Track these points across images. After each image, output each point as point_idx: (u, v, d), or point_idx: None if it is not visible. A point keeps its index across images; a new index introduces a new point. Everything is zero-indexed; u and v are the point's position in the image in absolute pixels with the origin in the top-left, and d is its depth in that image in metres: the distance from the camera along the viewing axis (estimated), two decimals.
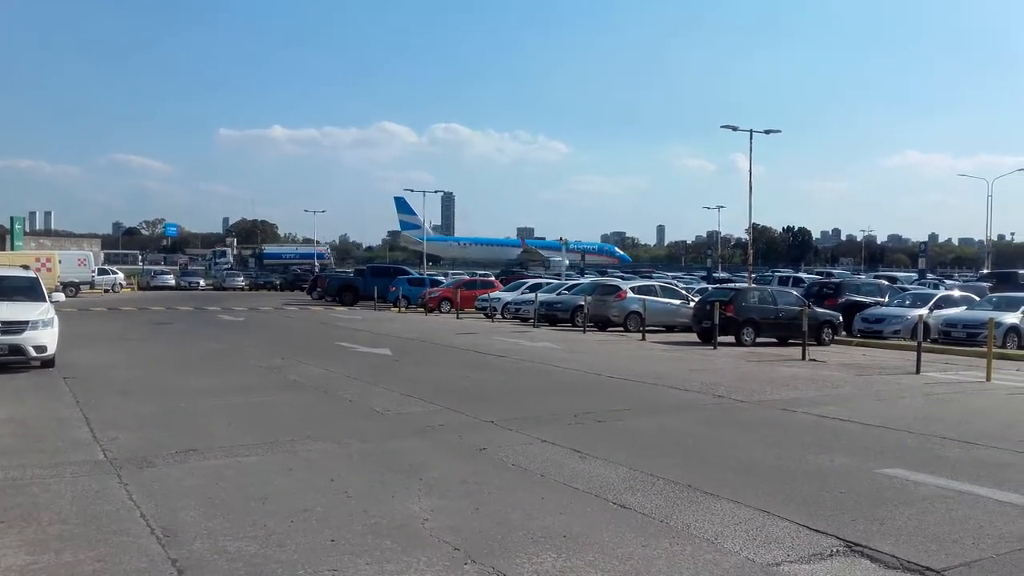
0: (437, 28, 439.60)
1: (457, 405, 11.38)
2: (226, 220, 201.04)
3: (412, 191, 67.54)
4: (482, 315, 34.63)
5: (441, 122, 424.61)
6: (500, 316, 33.50)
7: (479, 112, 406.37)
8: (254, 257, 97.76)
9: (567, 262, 73.67)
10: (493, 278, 46.89)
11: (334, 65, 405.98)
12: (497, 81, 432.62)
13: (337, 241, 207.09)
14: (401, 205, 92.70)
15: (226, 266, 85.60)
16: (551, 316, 29.97)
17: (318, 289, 49.90)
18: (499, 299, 35.01)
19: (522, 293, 34.73)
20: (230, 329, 26.73)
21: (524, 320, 31.44)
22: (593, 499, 6.72)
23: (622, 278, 44.37)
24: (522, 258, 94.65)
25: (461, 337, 23.76)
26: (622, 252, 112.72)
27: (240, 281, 70.33)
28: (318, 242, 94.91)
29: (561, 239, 77.77)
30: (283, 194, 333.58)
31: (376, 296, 40.48)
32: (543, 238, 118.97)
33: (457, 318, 33.27)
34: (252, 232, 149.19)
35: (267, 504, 6.41)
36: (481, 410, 10.94)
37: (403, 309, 38.89)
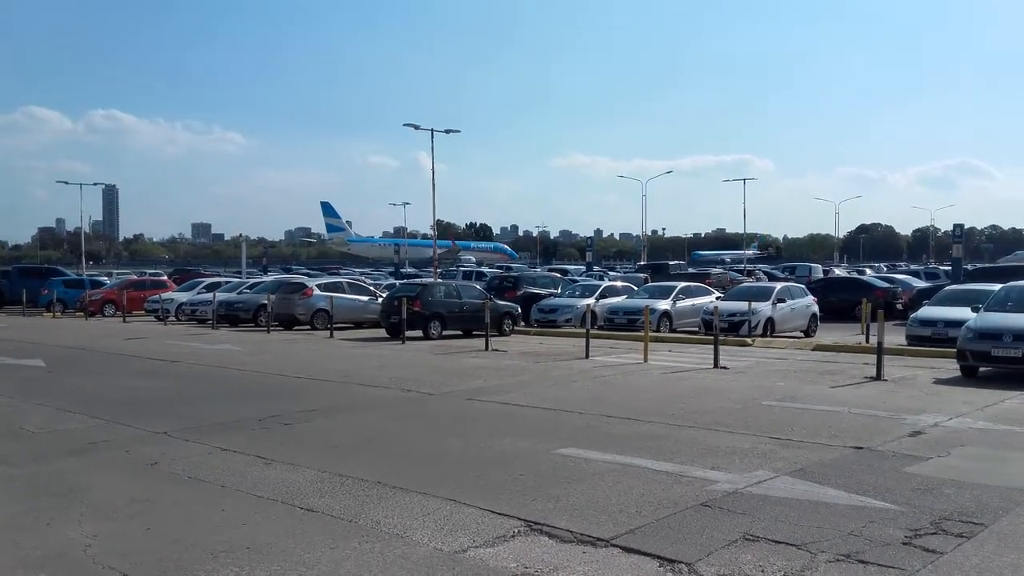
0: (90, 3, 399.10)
1: (124, 418, 10.39)
2: None
3: (67, 183, 60.98)
4: (153, 318, 32.15)
5: (99, 108, 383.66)
6: (174, 318, 31.31)
7: (144, 99, 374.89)
8: None
9: (474, 259, 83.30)
10: (165, 277, 43.74)
11: None
12: (163, 66, 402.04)
13: None
14: (327, 210, 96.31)
15: None
16: (232, 316, 28.56)
17: None
18: (172, 300, 32.69)
19: (198, 293, 32.72)
20: None
21: (202, 322, 29.65)
22: (279, 506, 6.43)
23: (307, 275, 43.53)
24: (443, 257, 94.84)
25: (129, 343, 21.82)
26: (511, 250, 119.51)
27: None
28: None
29: (241, 235, 76.44)
30: None
31: (25, 300, 35.96)
32: (507, 235, 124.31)
33: (124, 322, 30.55)
34: None
35: None
36: (152, 421, 10.08)
37: (59, 314, 34.97)
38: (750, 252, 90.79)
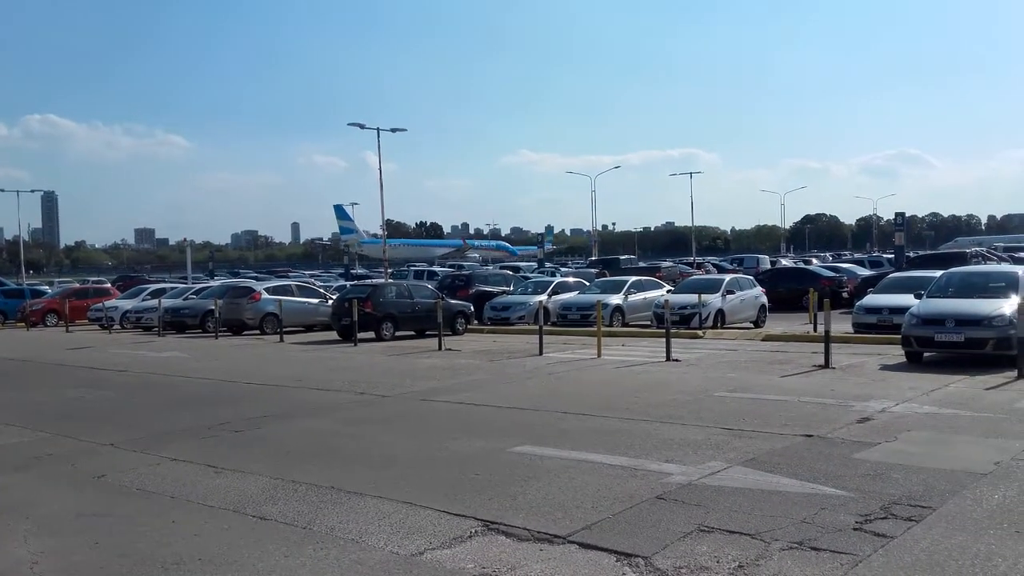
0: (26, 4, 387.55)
1: (69, 430, 10.12)
2: None
3: (3, 191, 59.34)
4: (97, 327, 31.43)
5: (36, 113, 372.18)
6: (119, 327, 30.64)
7: (82, 103, 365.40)
8: None
9: (479, 256, 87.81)
10: (109, 284, 42.75)
11: None
12: (99, 69, 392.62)
13: None
14: (340, 212, 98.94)
15: None
16: (179, 323, 28.01)
17: None
18: (116, 308, 31.97)
19: (143, 300, 32.05)
20: None
21: (148, 329, 29.08)
22: (231, 515, 6.31)
23: (255, 279, 42.96)
24: (452, 256, 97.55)
25: (73, 353, 21.28)
26: (513, 247, 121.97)
27: None
28: None
29: (186, 239, 75.89)
30: None
31: None
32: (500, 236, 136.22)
33: (67, 331, 29.82)
34: None
35: None
36: (99, 433, 9.83)
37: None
38: (544, 248, 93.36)
